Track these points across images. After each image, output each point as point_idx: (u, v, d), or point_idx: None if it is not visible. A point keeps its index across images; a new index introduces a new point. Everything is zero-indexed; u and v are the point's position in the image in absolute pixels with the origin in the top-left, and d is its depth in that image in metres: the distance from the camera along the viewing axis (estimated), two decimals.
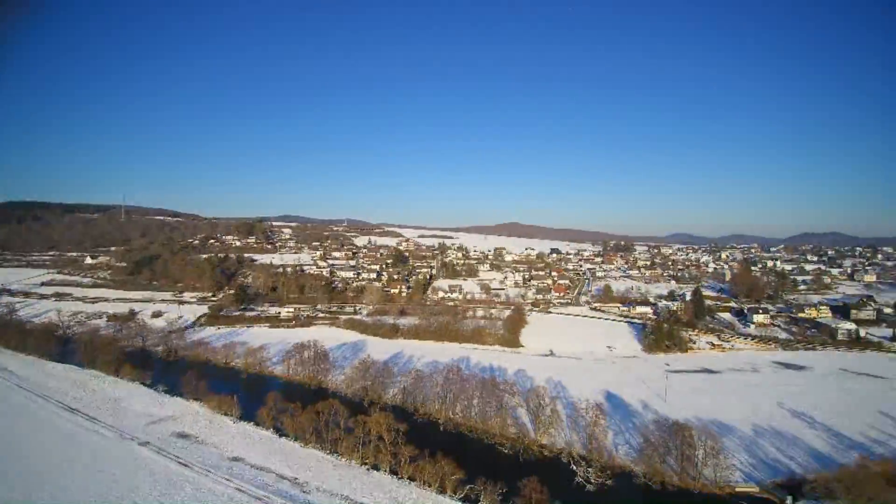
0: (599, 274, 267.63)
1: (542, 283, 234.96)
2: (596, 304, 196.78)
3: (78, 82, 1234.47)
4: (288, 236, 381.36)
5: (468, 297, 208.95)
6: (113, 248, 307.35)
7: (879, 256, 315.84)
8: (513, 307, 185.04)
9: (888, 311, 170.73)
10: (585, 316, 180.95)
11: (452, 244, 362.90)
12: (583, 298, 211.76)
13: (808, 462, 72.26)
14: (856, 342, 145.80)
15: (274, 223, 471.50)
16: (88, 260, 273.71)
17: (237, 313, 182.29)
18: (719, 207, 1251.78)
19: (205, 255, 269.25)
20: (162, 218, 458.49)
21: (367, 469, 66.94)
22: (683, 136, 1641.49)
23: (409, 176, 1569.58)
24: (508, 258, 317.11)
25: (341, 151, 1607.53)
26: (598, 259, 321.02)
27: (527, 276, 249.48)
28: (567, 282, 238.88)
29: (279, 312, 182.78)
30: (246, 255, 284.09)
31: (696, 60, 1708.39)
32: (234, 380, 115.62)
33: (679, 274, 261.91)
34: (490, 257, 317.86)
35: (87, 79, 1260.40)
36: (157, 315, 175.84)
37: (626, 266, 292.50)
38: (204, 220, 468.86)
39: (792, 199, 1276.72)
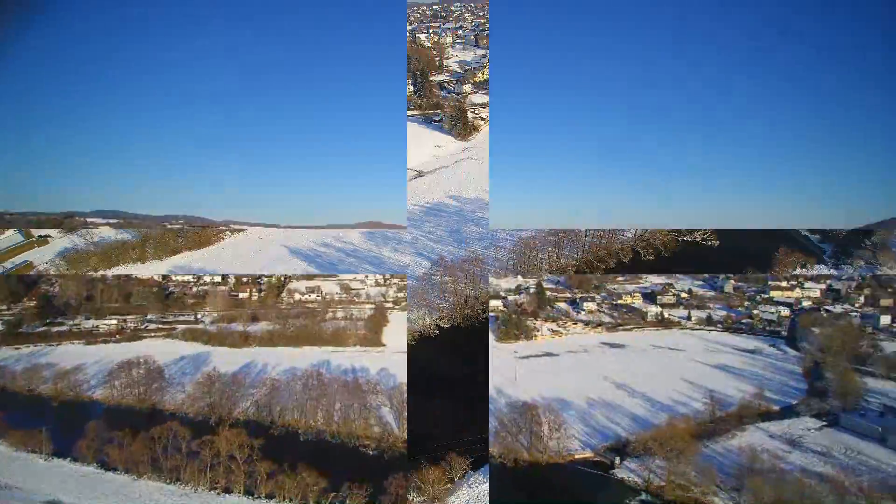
0: None
1: (403, 280, 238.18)
2: None
3: None
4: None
5: (328, 297, 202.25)
6: None
7: None
8: (374, 306, 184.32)
9: (684, 295, 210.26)
10: None
11: None
12: None
13: (630, 425, 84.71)
14: (661, 322, 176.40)
15: (88, 220, 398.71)
16: None
17: (42, 329, 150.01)
18: None
19: None
20: None
21: (218, 493, 61.22)
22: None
23: (262, 169, 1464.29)
24: None
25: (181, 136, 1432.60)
26: None
27: (388, 274, 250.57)
28: None
29: (97, 325, 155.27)
30: None
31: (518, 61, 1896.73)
32: (42, 410, 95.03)
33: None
34: None
35: None
36: None
37: None
38: None
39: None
